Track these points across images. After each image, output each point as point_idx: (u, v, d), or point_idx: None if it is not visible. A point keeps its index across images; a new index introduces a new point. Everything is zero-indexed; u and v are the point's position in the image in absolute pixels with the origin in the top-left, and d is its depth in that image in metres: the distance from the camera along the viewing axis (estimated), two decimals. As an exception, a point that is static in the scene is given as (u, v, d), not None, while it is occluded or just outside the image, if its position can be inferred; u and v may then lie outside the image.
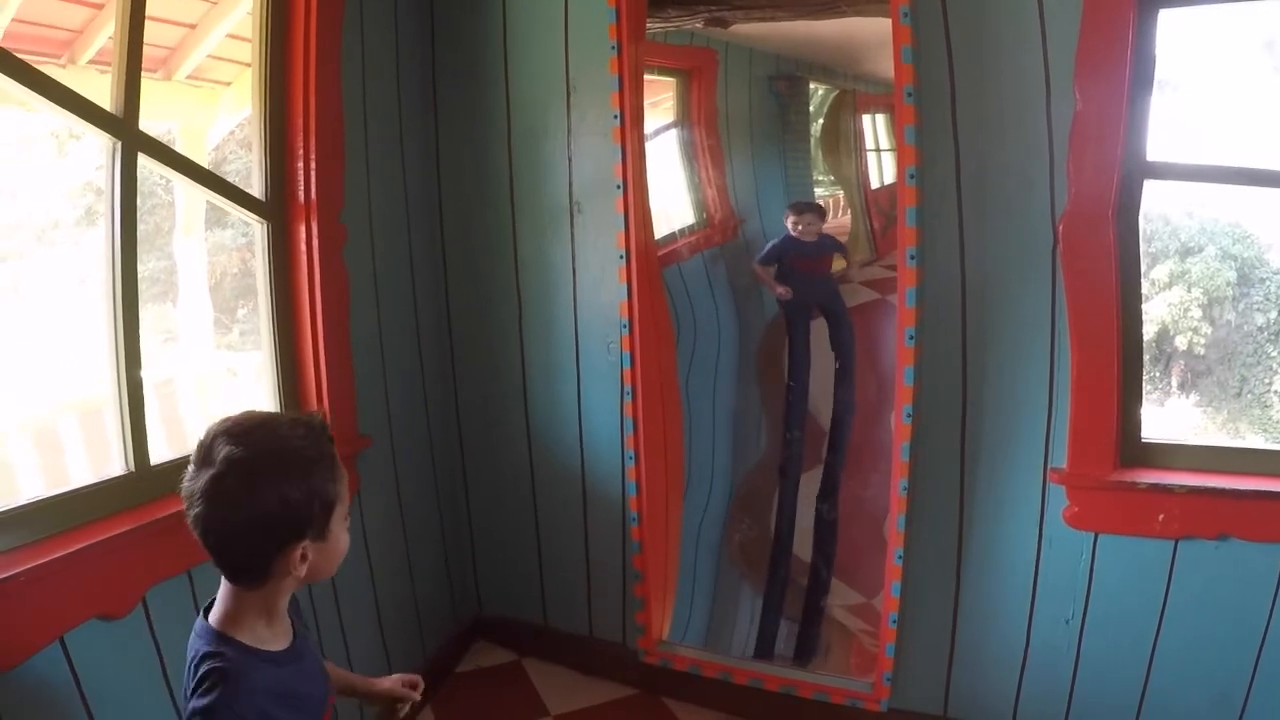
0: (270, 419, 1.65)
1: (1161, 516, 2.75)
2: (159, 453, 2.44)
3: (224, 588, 1.62)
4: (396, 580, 3.37)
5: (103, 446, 2.77)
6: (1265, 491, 2.67)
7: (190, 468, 1.54)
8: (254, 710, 1.54)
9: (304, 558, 1.60)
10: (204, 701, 1.51)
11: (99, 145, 2.35)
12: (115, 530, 2.15)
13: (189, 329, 3.44)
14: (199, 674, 1.54)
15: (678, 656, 3.43)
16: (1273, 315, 6.21)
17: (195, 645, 1.60)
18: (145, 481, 2.35)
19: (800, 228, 3.33)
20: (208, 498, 1.50)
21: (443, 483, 3.70)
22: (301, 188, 2.85)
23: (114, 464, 2.38)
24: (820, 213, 3.37)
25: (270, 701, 1.57)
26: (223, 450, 1.52)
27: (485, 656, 3.76)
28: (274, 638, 1.65)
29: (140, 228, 2.38)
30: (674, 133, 3.49)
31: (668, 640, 3.48)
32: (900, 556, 3.03)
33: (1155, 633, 2.86)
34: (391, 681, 2.00)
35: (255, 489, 1.52)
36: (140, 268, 2.38)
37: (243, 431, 1.55)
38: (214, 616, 1.61)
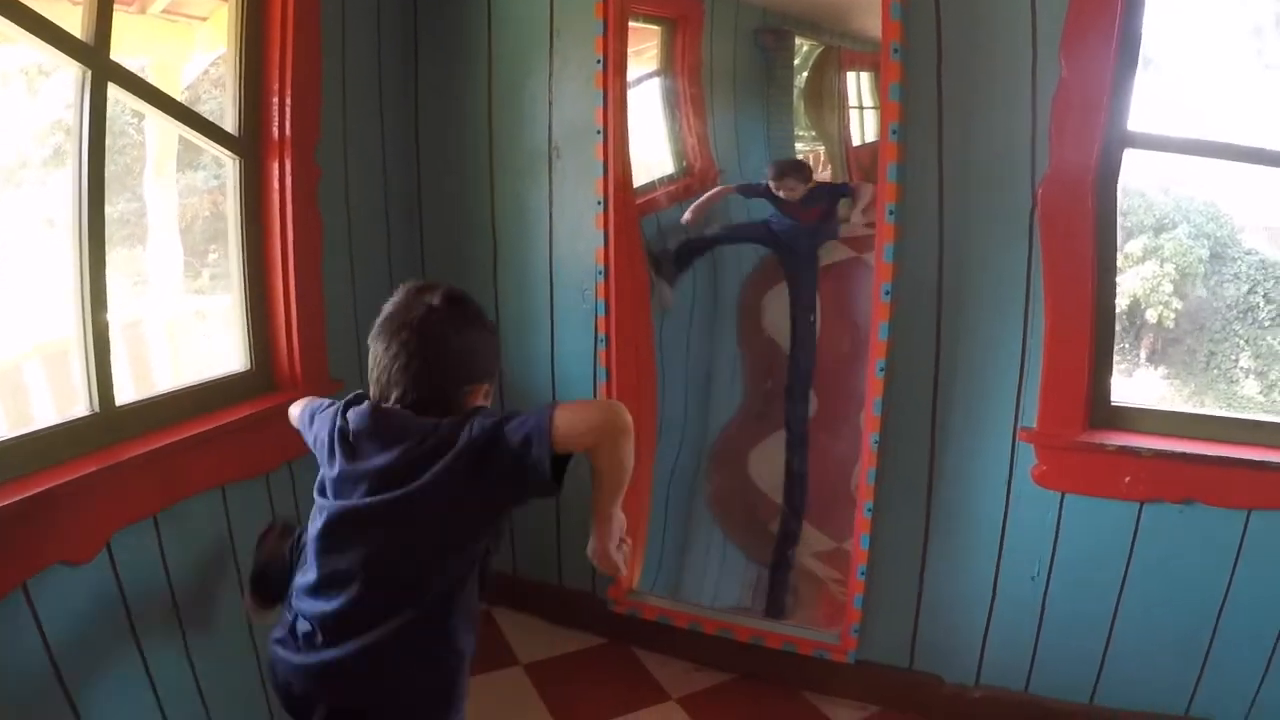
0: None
1: (1128, 478, 2.78)
2: (125, 394, 2.40)
3: None
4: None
5: (68, 391, 2.73)
6: (1230, 458, 2.72)
7: (390, 308, 1.83)
8: None
9: (487, 396, 1.86)
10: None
11: (69, 79, 2.29)
12: (78, 473, 2.10)
13: (159, 272, 3.40)
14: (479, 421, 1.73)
15: (647, 606, 3.44)
16: (1243, 293, 6.26)
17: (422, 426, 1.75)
18: (110, 423, 2.31)
19: (782, 192, 3.32)
20: (425, 323, 1.77)
21: (413, 429, 3.65)
22: (276, 124, 2.82)
23: (78, 406, 2.33)
24: (802, 174, 3.34)
25: None
26: (436, 292, 1.82)
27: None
28: None
29: (110, 168, 2.34)
30: (657, 81, 3.46)
31: (637, 590, 3.50)
32: (869, 509, 3.06)
33: (1119, 591, 2.90)
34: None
35: (470, 322, 1.83)
36: (110, 209, 2.34)
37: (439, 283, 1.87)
38: None
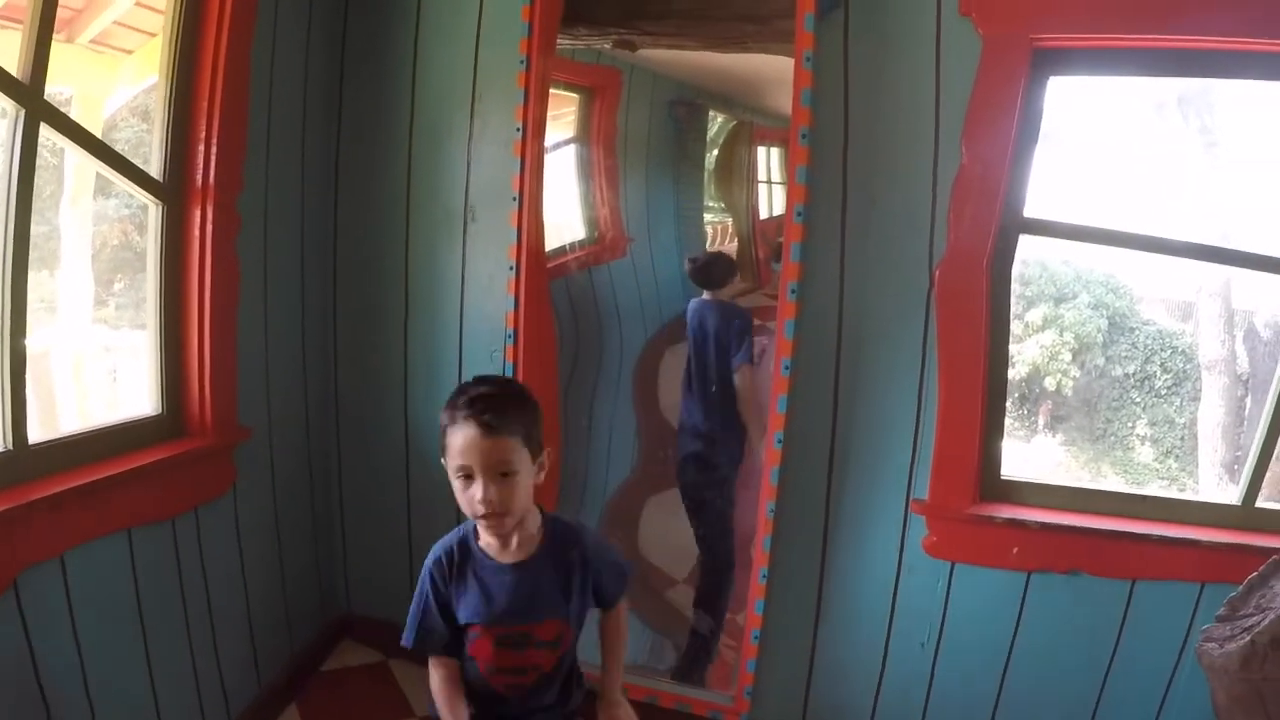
0: None
1: (1016, 549, 2.89)
2: (32, 429, 2.37)
3: None
4: (267, 574, 3.34)
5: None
6: (1114, 531, 2.85)
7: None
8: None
9: None
10: None
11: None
12: None
13: (68, 300, 3.36)
14: None
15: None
16: (1139, 364, 6.43)
17: None
18: (22, 461, 2.30)
19: (706, 295, 3.40)
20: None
21: (318, 480, 3.67)
22: (200, 171, 2.82)
23: None
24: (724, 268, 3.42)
25: None
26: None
27: (351, 655, 3.72)
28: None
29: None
30: (573, 148, 3.50)
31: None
32: (764, 575, 3.11)
33: (1006, 659, 3.01)
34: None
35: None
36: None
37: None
38: None
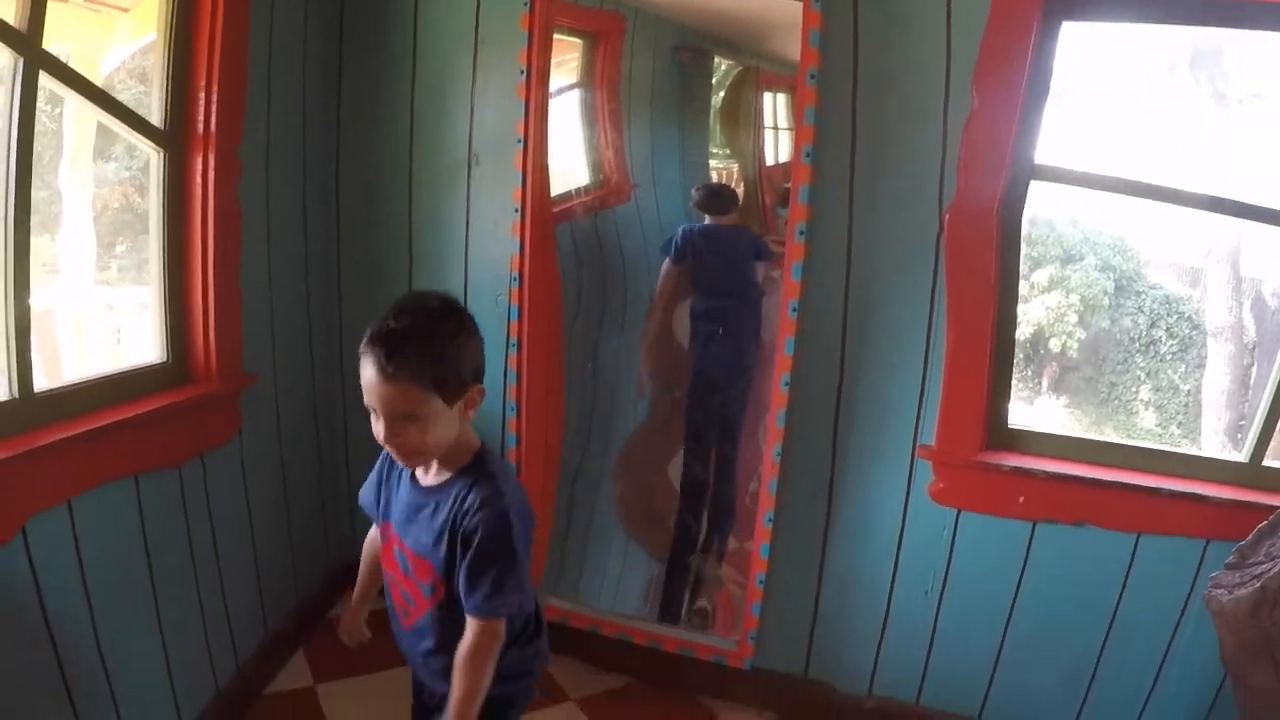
0: None
1: (1022, 499, 2.88)
2: (36, 384, 2.35)
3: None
4: (274, 521, 3.35)
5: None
6: (1122, 483, 2.83)
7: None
8: None
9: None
10: None
11: None
12: None
13: (70, 261, 3.36)
14: None
15: (548, 608, 3.43)
16: (1145, 327, 6.40)
17: None
18: (28, 408, 2.29)
19: (707, 219, 3.38)
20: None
21: (323, 427, 3.68)
22: (201, 118, 2.80)
23: None
24: (725, 198, 3.41)
25: None
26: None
27: (357, 603, 3.72)
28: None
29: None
30: (576, 94, 3.49)
31: (538, 592, 3.50)
32: (770, 519, 3.12)
33: (1010, 609, 3.01)
34: None
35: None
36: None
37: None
38: None
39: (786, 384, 3.00)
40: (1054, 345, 6.27)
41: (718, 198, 3.40)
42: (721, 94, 3.42)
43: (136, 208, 3.16)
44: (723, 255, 3.42)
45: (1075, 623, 2.98)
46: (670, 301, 3.49)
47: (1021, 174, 2.83)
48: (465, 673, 1.87)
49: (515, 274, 3.27)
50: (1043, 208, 6.10)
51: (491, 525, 1.83)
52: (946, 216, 2.82)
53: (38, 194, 2.34)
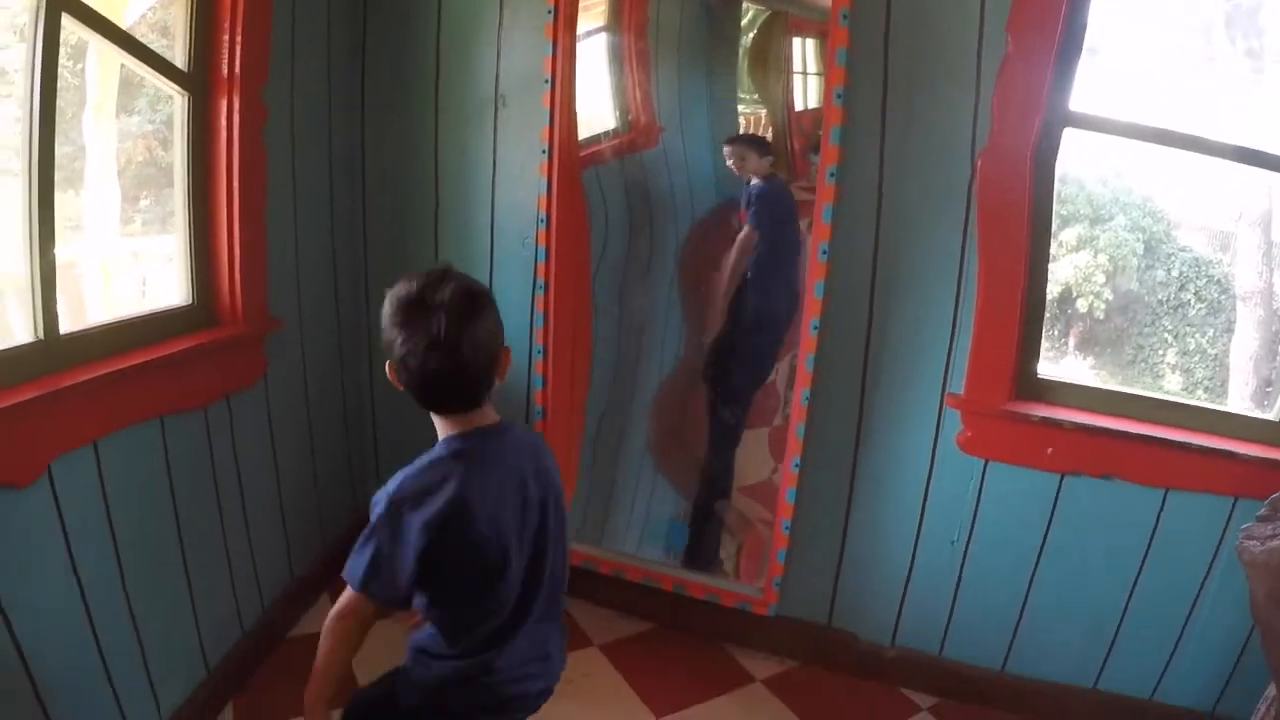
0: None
1: (1050, 450, 2.86)
2: (65, 328, 2.36)
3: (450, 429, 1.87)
4: (299, 466, 3.37)
5: (3, 326, 2.69)
6: (1152, 436, 2.80)
7: (403, 325, 1.75)
8: None
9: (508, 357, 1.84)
10: None
11: (19, 8, 2.24)
12: (21, 397, 2.07)
13: (95, 215, 3.36)
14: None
15: (572, 552, 3.45)
16: (1174, 289, 6.35)
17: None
18: (54, 350, 2.28)
19: (730, 161, 3.32)
20: (454, 328, 1.70)
21: (349, 372, 3.68)
22: (225, 60, 2.79)
23: (21, 333, 2.29)
24: (757, 146, 3.33)
25: None
26: (444, 289, 1.73)
27: (383, 547, 3.73)
28: None
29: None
30: (604, 37, 3.43)
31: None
32: (797, 464, 3.11)
33: (1035, 561, 2.99)
34: None
35: (484, 304, 1.78)
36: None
37: (438, 277, 1.77)
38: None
39: (815, 328, 2.98)
40: (1081, 305, 6.22)
41: (756, 143, 3.35)
42: (750, 37, 3.38)
43: (160, 161, 3.17)
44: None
45: (1101, 576, 2.96)
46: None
47: (1055, 120, 2.78)
48: (320, 653, 1.89)
49: (543, 215, 3.24)
50: (1073, 166, 6.04)
51: (380, 500, 1.86)
52: (979, 162, 2.78)
53: (61, 149, 2.32)
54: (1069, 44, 2.73)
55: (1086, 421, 2.86)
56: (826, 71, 2.86)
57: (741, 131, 3.39)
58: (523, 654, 1.93)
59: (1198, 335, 6.30)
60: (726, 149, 3.32)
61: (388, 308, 1.78)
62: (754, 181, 3.30)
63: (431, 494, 1.79)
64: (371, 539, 1.81)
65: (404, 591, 1.81)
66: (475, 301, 1.75)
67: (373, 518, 1.82)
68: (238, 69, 2.79)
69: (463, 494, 1.77)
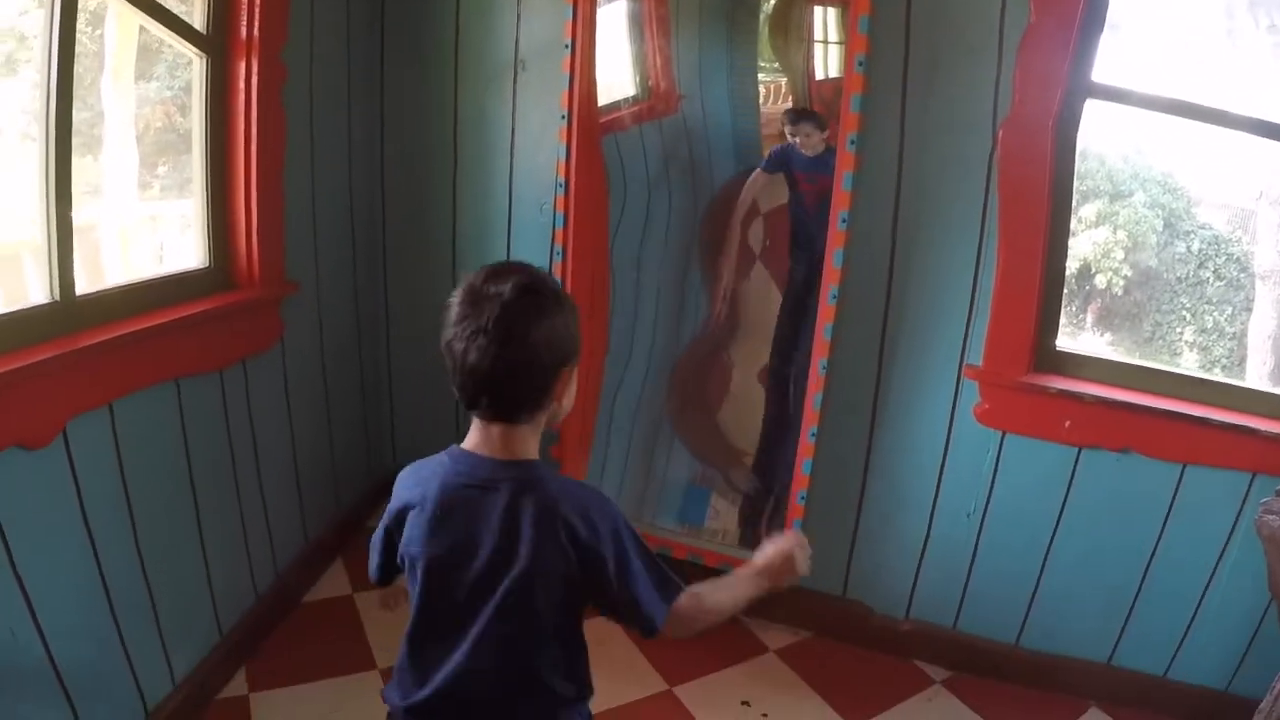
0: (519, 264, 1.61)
1: (1068, 423, 2.85)
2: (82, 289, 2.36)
3: (484, 439, 1.63)
4: (315, 430, 3.38)
5: (20, 292, 2.69)
6: (1170, 411, 2.79)
7: (457, 312, 1.53)
8: None
9: (570, 380, 1.61)
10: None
11: None
12: (38, 357, 2.07)
13: (113, 180, 3.36)
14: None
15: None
16: (1192, 267, 6.33)
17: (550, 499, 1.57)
18: (70, 311, 2.28)
19: (797, 139, 3.31)
20: (504, 322, 1.49)
21: (365, 337, 3.68)
22: (244, 21, 2.78)
23: (37, 294, 2.29)
24: (817, 122, 3.30)
25: None
26: (505, 281, 1.51)
27: (398, 512, 3.73)
28: None
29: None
30: (624, 2, 3.44)
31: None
32: (814, 434, 3.10)
33: (1052, 534, 2.99)
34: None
35: (549, 307, 1.53)
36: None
37: (505, 269, 1.55)
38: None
39: (834, 297, 2.96)
40: (1100, 281, 6.19)
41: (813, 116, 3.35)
42: (771, 3, 3.36)
43: (179, 127, 3.16)
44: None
45: (1117, 551, 2.96)
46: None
47: (1078, 91, 2.76)
48: None
49: (561, 180, 3.21)
50: (1094, 141, 6.01)
51: None
52: (1001, 132, 2.76)
53: (79, 115, 2.31)
54: (1092, 15, 2.70)
55: (1105, 395, 2.84)
56: (848, 39, 2.84)
57: (761, 108, 3.40)
58: None
59: (1216, 313, 6.27)
60: (789, 127, 3.31)
61: (456, 292, 1.58)
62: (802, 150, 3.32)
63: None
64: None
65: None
66: (538, 301, 1.53)
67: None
68: (256, 30, 2.79)
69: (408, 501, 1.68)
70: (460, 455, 1.65)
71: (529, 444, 1.63)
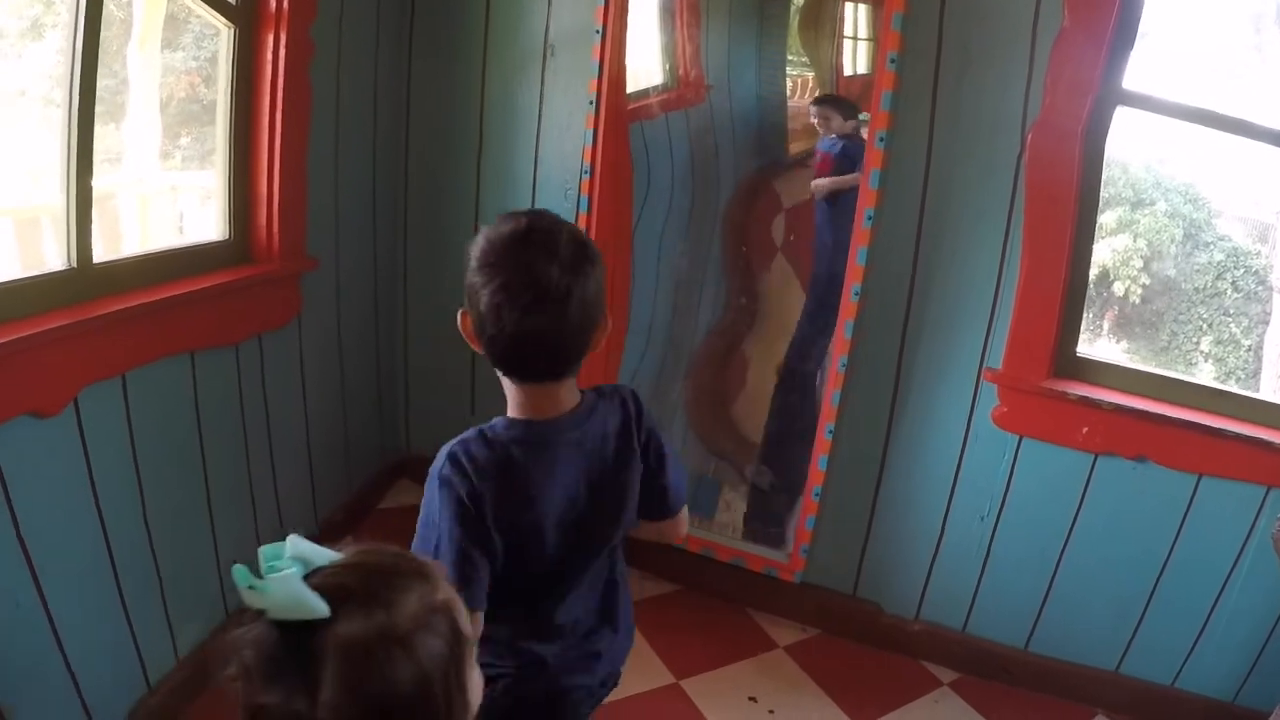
0: None
1: (1085, 429, 2.83)
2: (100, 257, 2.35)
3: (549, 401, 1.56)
4: (329, 408, 3.37)
5: (36, 258, 2.68)
6: (1187, 421, 2.77)
7: (503, 278, 1.42)
8: None
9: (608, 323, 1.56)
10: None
11: None
12: (51, 324, 2.07)
13: (135, 147, 3.35)
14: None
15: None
16: (1211, 278, 6.31)
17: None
18: (87, 278, 2.27)
19: (816, 120, 3.31)
20: (566, 286, 1.41)
21: (383, 315, 3.67)
22: (274, -5, 2.78)
23: (54, 260, 2.29)
24: (840, 107, 3.28)
25: None
26: (561, 231, 1.46)
27: (408, 495, 3.73)
28: None
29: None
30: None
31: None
32: (830, 431, 3.09)
33: (1065, 540, 2.97)
34: None
35: (594, 254, 1.49)
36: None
37: (535, 225, 1.47)
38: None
39: (856, 294, 2.95)
40: (1118, 289, 6.18)
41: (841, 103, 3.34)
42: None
43: (203, 98, 3.15)
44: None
45: (1129, 559, 2.94)
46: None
47: (1108, 97, 2.73)
48: None
49: (587, 165, 3.21)
50: (1118, 149, 6.01)
51: None
52: (1030, 135, 2.74)
53: (104, 82, 2.30)
54: (1125, 22, 2.67)
55: (1124, 403, 2.82)
56: (880, 35, 2.82)
57: (789, 101, 3.38)
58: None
59: (1232, 325, 6.26)
60: (812, 108, 3.31)
61: (481, 246, 1.47)
62: (834, 139, 3.29)
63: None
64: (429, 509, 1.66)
65: None
66: (587, 251, 1.47)
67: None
68: (285, 3, 2.76)
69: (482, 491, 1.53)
70: (537, 425, 1.56)
71: (576, 387, 1.60)
